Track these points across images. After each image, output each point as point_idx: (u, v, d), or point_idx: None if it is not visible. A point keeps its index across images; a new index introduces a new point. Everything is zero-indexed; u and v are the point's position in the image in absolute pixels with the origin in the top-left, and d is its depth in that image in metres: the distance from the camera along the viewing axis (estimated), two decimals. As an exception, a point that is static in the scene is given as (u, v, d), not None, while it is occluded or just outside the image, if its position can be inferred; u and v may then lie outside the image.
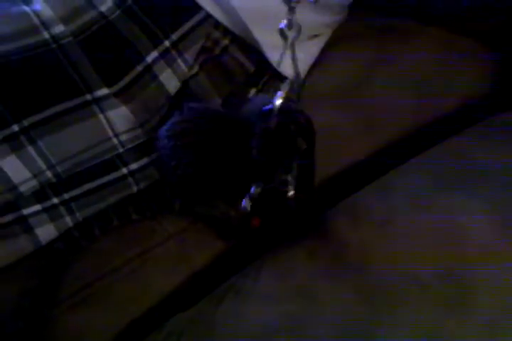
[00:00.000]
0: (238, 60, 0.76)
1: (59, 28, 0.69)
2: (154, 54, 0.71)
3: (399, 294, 0.58)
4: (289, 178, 0.62)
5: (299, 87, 0.66)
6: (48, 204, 0.71)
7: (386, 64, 0.79)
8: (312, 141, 0.62)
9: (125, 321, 0.70)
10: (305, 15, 0.75)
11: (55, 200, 0.71)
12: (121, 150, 0.72)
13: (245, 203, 0.62)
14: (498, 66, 0.81)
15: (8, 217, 0.69)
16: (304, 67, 0.78)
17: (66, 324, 0.71)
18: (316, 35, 0.79)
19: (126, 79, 0.70)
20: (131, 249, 0.73)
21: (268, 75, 0.78)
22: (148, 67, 0.71)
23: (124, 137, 0.71)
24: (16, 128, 0.67)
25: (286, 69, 0.76)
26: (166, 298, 0.71)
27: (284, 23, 0.60)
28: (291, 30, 0.61)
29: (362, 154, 0.76)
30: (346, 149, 0.76)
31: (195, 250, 0.73)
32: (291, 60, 0.64)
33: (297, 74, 0.65)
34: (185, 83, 0.74)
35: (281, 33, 0.61)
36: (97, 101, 0.69)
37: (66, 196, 0.71)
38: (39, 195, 0.70)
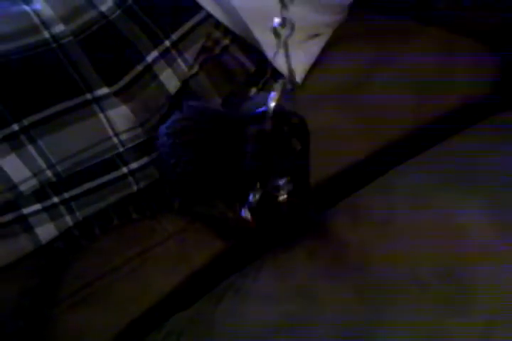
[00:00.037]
0: (238, 59, 0.76)
1: (59, 28, 0.69)
2: (154, 54, 0.71)
3: (399, 294, 0.58)
4: (281, 182, 0.61)
5: (293, 86, 0.66)
6: (48, 203, 0.71)
7: (386, 64, 0.79)
8: (307, 142, 0.62)
9: (125, 320, 0.70)
10: (305, 14, 0.75)
11: (55, 199, 0.71)
12: (121, 149, 0.72)
13: (244, 212, 0.62)
14: (498, 66, 0.81)
15: (8, 216, 0.69)
16: (304, 67, 0.78)
17: (66, 323, 0.71)
18: (316, 35, 0.79)
19: (127, 78, 0.70)
20: (131, 248, 0.73)
21: (268, 75, 0.78)
22: (149, 67, 0.71)
23: (124, 136, 0.71)
24: (15, 127, 0.67)
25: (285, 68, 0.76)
26: (166, 297, 0.71)
27: (277, 21, 0.59)
28: (285, 28, 0.60)
29: (362, 154, 0.76)
30: (346, 149, 0.76)
31: (194, 249, 0.73)
32: (285, 58, 0.63)
33: (291, 73, 0.64)
34: (185, 83, 0.74)
35: (274, 31, 0.60)
36: (97, 100, 0.69)
37: (66, 195, 0.71)
38: (39, 194, 0.70)
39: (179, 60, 0.73)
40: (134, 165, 0.73)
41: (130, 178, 0.73)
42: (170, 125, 0.66)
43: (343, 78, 0.78)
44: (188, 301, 0.67)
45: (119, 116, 0.70)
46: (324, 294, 0.61)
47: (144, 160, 0.73)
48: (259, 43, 0.73)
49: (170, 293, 0.71)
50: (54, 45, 0.68)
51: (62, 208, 0.72)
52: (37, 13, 0.69)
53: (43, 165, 0.69)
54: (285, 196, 0.61)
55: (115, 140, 0.71)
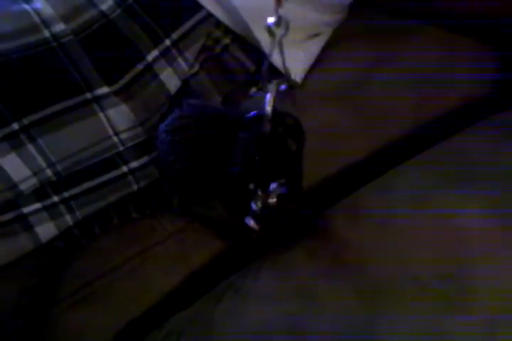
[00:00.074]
0: (239, 59, 0.76)
1: (59, 27, 0.69)
2: (155, 53, 0.71)
3: (398, 294, 0.59)
4: (273, 185, 0.61)
5: (288, 86, 0.66)
6: (48, 202, 0.71)
7: (386, 63, 0.79)
8: (302, 143, 0.62)
9: (125, 320, 0.70)
10: (305, 14, 0.75)
11: (55, 198, 0.71)
12: (121, 148, 0.72)
13: (249, 221, 0.62)
14: (498, 65, 0.81)
15: (8, 215, 0.69)
16: (304, 67, 0.78)
17: (66, 322, 0.71)
18: (316, 35, 0.79)
19: (127, 77, 0.70)
20: (131, 247, 0.73)
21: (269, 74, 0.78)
22: (149, 66, 0.71)
23: (124, 135, 0.71)
24: (16, 126, 0.67)
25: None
26: (166, 297, 0.71)
27: (271, 20, 0.59)
28: (280, 27, 0.59)
29: (362, 153, 0.76)
30: (346, 148, 0.76)
31: (194, 249, 0.73)
32: (281, 57, 0.63)
33: (286, 72, 0.64)
34: (185, 82, 0.74)
35: (269, 30, 0.60)
36: (98, 99, 0.69)
37: (66, 194, 0.71)
38: (39, 193, 0.70)
39: (179, 59, 0.73)
40: (134, 164, 0.73)
41: (130, 177, 0.73)
42: (169, 123, 0.66)
43: (343, 78, 0.78)
44: (187, 301, 0.67)
45: (119, 116, 0.70)
46: (324, 294, 0.61)
47: (144, 159, 0.73)
48: (259, 42, 0.73)
49: (170, 293, 0.71)
50: (54, 44, 0.68)
51: (62, 207, 0.72)
52: (37, 12, 0.69)
53: (43, 164, 0.69)
54: (274, 199, 0.61)
55: (115, 139, 0.71)
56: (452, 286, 0.57)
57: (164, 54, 0.72)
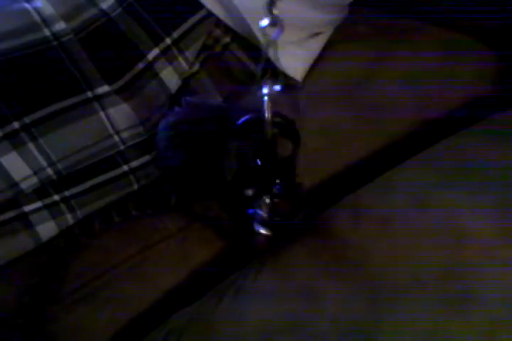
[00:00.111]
0: (239, 57, 0.76)
1: (60, 26, 0.69)
2: (155, 51, 0.71)
3: (399, 293, 0.58)
4: (276, 188, 0.61)
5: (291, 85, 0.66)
6: (48, 201, 0.71)
7: (387, 62, 0.79)
8: (298, 143, 0.62)
9: (125, 318, 0.70)
10: (306, 13, 0.75)
11: (56, 197, 0.71)
12: (122, 147, 0.72)
13: (260, 228, 0.62)
14: (498, 65, 0.81)
15: (9, 214, 0.69)
16: (305, 66, 0.78)
17: (66, 321, 0.70)
18: (317, 34, 0.79)
19: (127, 76, 0.70)
20: (131, 246, 0.73)
21: (269, 73, 0.78)
22: (149, 65, 0.71)
23: (125, 134, 0.71)
24: (16, 125, 0.67)
25: (286, 66, 0.76)
26: (167, 295, 0.71)
27: (265, 20, 0.58)
28: (274, 27, 0.59)
29: (363, 152, 0.76)
30: (347, 147, 0.76)
31: (196, 248, 0.73)
32: (275, 58, 0.62)
33: (279, 73, 0.64)
34: (186, 81, 0.74)
35: (263, 31, 0.60)
36: (98, 98, 0.69)
37: (67, 193, 0.71)
38: (40, 192, 0.70)
39: (180, 58, 0.73)
40: (134, 164, 0.73)
41: (131, 176, 0.73)
42: (168, 118, 0.67)
43: (344, 76, 0.78)
44: (188, 300, 0.67)
45: (120, 114, 0.70)
46: (325, 293, 0.61)
47: (145, 158, 0.73)
48: (260, 41, 0.73)
49: (171, 291, 0.71)
50: (55, 42, 0.68)
51: (62, 206, 0.72)
52: (38, 10, 0.69)
53: (44, 163, 0.69)
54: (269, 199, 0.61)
55: (116, 138, 0.71)
56: (453, 285, 0.57)
57: (165, 53, 0.72)
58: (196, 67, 0.74)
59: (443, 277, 0.58)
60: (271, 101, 0.58)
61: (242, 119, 0.60)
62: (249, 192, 0.61)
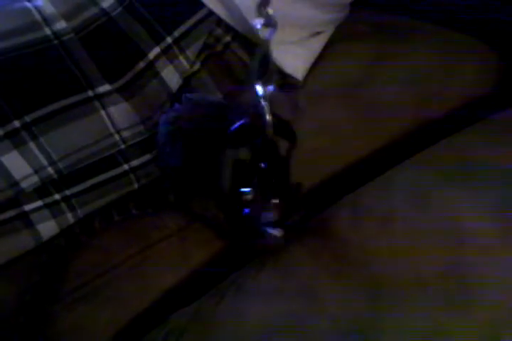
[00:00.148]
0: (240, 56, 0.76)
1: (61, 25, 0.69)
2: (156, 50, 0.71)
3: (400, 292, 0.59)
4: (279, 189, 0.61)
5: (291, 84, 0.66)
6: (49, 200, 0.71)
7: (387, 62, 0.79)
8: (294, 142, 0.62)
9: (125, 318, 0.70)
10: (307, 12, 0.75)
11: (57, 196, 0.71)
12: (122, 146, 0.72)
13: (274, 231, 0.62)
14: (498, 64, 0.81)
15: (10, 213, 0.69)
16: (305, 65, 0.78)
17: (67, 320, 0.70)
18: (318, 33, 0.79)
19: (128, 75, 0.70)
20: (132, 245, 0.73)
21: (270, 72, 0.78)
22: (150, 64, 0.71)
23: (125, 133, 0.71)
24: (17, 124, 0.67)
25: (287, 65, 0.76)
26: (167, 295, 0.71)
27: (259, 21, 0.58)
28: (268, 27, 0.59)
29: (362, 152, 0.76)
30: (347, 147, 0.76)
31: (196, 247, 0.73)
32: (269, 60, 0.62)
33: (274, 73, 0.64)
34: (187, 79, 0.74)
35: (257, 31, 0.59)
36: (99, 97, 0.69)
37: (67, 192, 0.71)
38: (40, 191, 0.70)
39: (181, 57, 0.73)
40: (135, 163, 0.73)
41: (131, 175, 0.73)
42: (168, 114, 0.68)
43: (344, 76, 0.78)
44: (189, 299, 0.68)
45: (121, 113, 0.70)
46: (325, 292, 0.61)
47: (146, 157, 0.73)
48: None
49: (171, 291, 0.71)
50: (55, 41, 0.68)
51: (63, 205, 0.72)
52: (38, 9, 0.69)
53: (45, 162, 0.69)
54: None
55: (117, 137, 0.71)
56: (453, 284, 0.57)
57: (165, 52, 0.72)
58: (197, 66, 0.74)
59: (443, 276, 0.58)
60: (267, 102, 0.58)
61: (235, 126, 0.60)
62: (249, 193, 0.61)
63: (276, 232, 0.61)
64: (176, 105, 0.69)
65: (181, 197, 0.75)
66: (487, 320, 0.55)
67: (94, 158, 0.71)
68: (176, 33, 0.72)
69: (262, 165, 0.59)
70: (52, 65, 0.69)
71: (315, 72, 0.79)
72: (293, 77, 0.77)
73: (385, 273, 0.60)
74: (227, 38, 0.75)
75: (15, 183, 0.68)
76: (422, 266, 0.59)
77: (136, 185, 0.74)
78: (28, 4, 0.70)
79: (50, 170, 0.69)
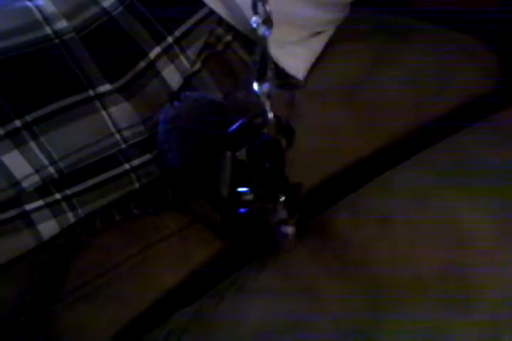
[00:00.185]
0: (241, 56, 0.76)
1: (62, 24, 0.69)
2: (157, 50, 0.71)
3: (400, 292, 0.59)
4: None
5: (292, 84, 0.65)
6: (50, 199, 0.71)
7: (387, 62, 0.79)
8: (292, 140, 0.62)
9: (126, 317, 0.70)
10: (307, 12, 0.75)
11: (58, 196, 0.71)
12: (123, 146, 0.72)
13: (286, 230, 0.61)
14: (498, 64, 0.81)
15: (11, 213, 0.69)
16: (306, 65, 0.78)
17: (67, 319, 0.71)
18: (318, 33, 0.79)
19: (129, 75, 0.70)
20: (133, 245, 0.73)
21: (269, 69, 0.78)
22: (151, 63, 0.71)
23: (126, 133, 0.71)
24: (18, 123, 0.67)
25: (288, 65, 0.76)
26: (168, 294, 0.71)
27: (255, 19, 0.58)
28: (264, 26, 0.59)
29: (362, 152, 0.76)
30: (347, 147, 0.76)
31: (197, 247, 0.73)
32: (267, 58, 0.62)
33: (272, 72, 0.64)
34: (187, 79, 0.74)
35: (253, 29, 0.59)
36: (100, 97, 0.69)
37: (68, 192, 0.71)
38: (41, 190, 0.70)
39: (182, 57, 0.73)
40: (136, 162, 0.73)
41: (132, 175, 0.73)
42: (167, 112, 0.68)
43: (344, 76, 0.78)
44: (189, 299, 0.68)
45: (122, 113, 0.70)
46: (326, 292, 0.61)
47: (146, 157, 0.73)
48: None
49: (172, 291, 0.71)
50: (56, 41, 0.68)
51: (64, 204, 0.72)
52: (39, 8, 0.69)
53: (45, 162, 0.69)
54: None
55: (117, 136, 0.71)
56: (453, 285, 0.58)
57: (166, 51, 0.72)
58: (198, 65, 0.74)
59: (443, 277, 0.58)
60: (269, 100, 0.58)
61: (235, 126, 0.60)
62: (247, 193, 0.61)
63: (289, 230, 0.61)
64: (175, 103, 0.69)
65: (180, 197, 0.75)
66: (487, 320, 0.55)
67: (94, 158, 0.71)
68: (177, 33, 0.72)
69: (266, 164, 0.59)
70: (53, 65, 0.69)
71: (315, 72, 0.79)
72: (293, 77, 0.77)
73: (385, 273, 0.60)
74: (228, 38, 0.75)
75: (16, 183, 0.68)
76: (422, 266, 0.60)
77: (137, 185, 0.74)
78: (28, 3, 0.70)
79: (51, 169, 0.69)
